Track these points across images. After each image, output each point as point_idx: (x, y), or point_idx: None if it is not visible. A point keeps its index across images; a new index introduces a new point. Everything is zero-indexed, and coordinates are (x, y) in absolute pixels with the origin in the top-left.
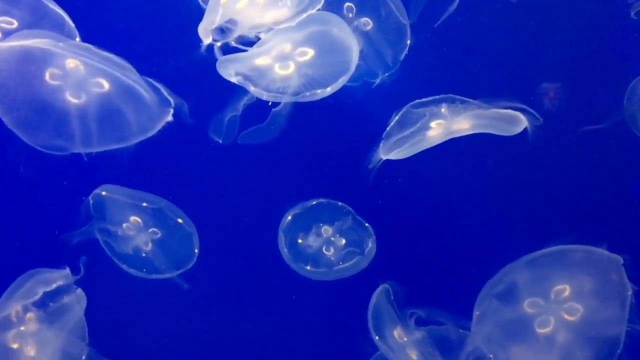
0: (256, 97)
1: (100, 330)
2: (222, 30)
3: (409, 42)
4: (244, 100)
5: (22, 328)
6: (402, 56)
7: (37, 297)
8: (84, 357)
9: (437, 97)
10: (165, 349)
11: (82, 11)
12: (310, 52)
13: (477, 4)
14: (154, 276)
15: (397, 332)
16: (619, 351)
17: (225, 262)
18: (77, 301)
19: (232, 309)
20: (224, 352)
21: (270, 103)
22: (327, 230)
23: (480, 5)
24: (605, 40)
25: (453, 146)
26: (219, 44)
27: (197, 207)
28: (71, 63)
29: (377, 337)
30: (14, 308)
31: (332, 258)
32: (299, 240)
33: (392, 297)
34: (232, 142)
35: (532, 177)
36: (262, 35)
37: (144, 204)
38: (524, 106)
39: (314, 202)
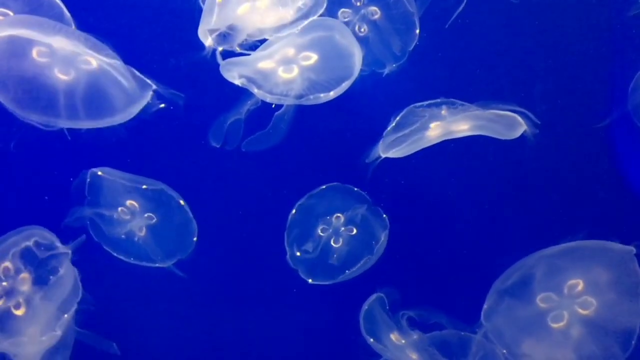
0: (259, 102)
1: (88, 315)
2: (224, 36)
3: (417, 31)
4: (247, 105)
5: (5, 284)
6: (412, 46)
7: (17, 250)
8: (58, 330)
9: (438, 100)
10: (157, 340)
11: (83, 11)
12: (313, 57)
13: (478, 4)
14: (144, 264)
15: (394, 336)
16: (633, 342)
17: (224, 259)
18: (69, 275)
19: (228, 305)
20: (217, 349)
21: (273, 106)
22: (338, 217)
23: (481, 6)
24: (605, 40)
25: (454, 146)
26: (220, 48)
27: (197, 208)
28: (56, 42)
29: (372, 340)
30: (2, 264)
31: (335, 256)
32: (297, 253)
33: (387, 306)
34: (234, 146)
35: (534, 176)
36: (267, 37)
37: (144, 186)
38: (523, 109)
39: (324, 187)
